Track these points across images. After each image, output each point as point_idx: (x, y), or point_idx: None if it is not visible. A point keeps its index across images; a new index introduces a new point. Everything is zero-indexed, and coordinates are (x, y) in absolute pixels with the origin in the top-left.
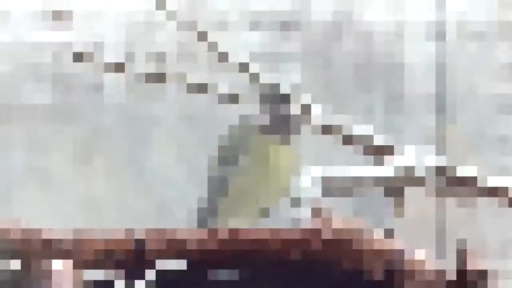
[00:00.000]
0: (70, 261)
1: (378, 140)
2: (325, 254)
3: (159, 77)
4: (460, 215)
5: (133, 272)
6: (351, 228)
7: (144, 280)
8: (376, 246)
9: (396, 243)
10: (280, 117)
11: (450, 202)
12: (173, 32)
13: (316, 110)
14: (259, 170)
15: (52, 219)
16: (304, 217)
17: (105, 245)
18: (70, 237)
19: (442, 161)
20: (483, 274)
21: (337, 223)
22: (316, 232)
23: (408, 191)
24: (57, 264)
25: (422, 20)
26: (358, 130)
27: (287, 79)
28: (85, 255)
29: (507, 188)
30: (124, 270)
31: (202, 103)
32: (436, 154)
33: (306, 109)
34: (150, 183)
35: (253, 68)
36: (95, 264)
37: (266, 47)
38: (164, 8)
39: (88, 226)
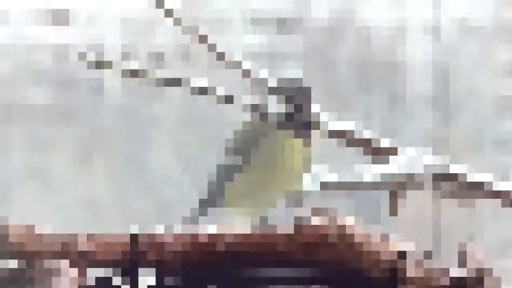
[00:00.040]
0: (69, 262)
1: (378, 140)
2: (325, 253)
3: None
4: (460, 215)
5: (133, 272)
6: (350, 227)
7: (144, 280)
8: (376, 246)
9: (395, 243)
10: (296, 112)
11: (450, 202)
12: (173, 32)
13: (323, 116)
14: (274, 162)
15: (52, 219)
16: (304, 216)
17: (105, 245)
18: (70, 237)
19: (441, 161)
20: (483, 275)
21: (337, 223)
22: (316, 231)
23: (408, 191)
24: (56, 265)
25: (422, 20)
26: (359, 130)
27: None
28: (85, 255)
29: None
30: (124, 270)
31: (202, 103)
32: (436, 154)
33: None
34: (150, 183)
35: (252, 67)
36: (95, 264)
37: (266, 46)
38: (163, 7)
39: (88, 226)
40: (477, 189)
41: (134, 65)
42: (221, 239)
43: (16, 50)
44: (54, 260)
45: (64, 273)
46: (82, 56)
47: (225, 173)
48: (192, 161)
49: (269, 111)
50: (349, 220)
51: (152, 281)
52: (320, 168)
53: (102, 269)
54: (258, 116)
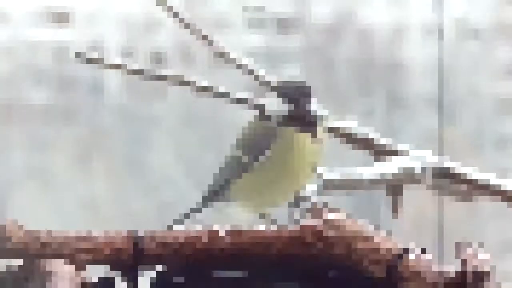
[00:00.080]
0: (69, 262)
1: (378, 140)
2: (324, 253)
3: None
4: (460, 215)
5: (133, 273)
6: (350, 227)
7: (144, 281)
8: (375, 246)
9: (395, 242)
10: (302, 111)
11: (450, 201)
12: (173, 32)
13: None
14: (286, 160)
15: (52, 219)
16: (304, 216)
17: (105, 245)
18: (70, 237)
19: (441, 161)
20: (483, 275)
21: (336, 223)
22: (315, 231)
23: (408, 191)
24: (56, 265)
25: (422, 20)
26: (359, 129)
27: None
28: (85, 255)
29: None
30: (123, 270)
31: (202, 103)
32: (435, 154)
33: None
34: (150, 183)
35: (252, 67)
36: (95, 264)
37: (266, 46)
38: (165, 4)
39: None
40: (477, 189)
41: (134, 65)
42: (222, 239)
43: (16, 50)
44: (54, 260)
45: (64, 273)
46: (80, 56)
47: (233, 169)
48: (192, 161)
49: (269, 110)
50: (349, 220)
51: (153, 281)
52: (320, 168)
53: (102, 269)
54: (260, 115)
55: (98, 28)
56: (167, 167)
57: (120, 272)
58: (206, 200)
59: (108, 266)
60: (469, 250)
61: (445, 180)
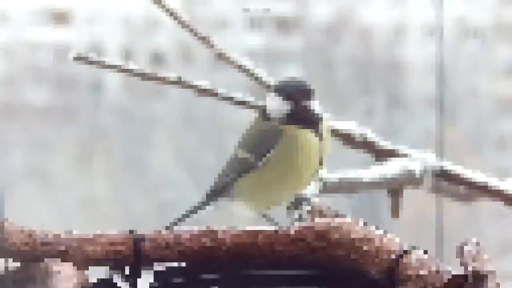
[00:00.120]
0: (70, 263)
1: (378, 141)
2: (325, 253)
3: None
4: (460, 215)
5: (133, 273)
6: (350, 228)
7: (144, 281)
8: (376, 246)
9: (395, 243)
10: (303, 110)
11: (450, 202)
12: (173, 32)
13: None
14: (289, 157)
15: (52, 219)
16: (305, 217)
17: (105, 245)
18: (70, 237)
19: (441, 161)
20: (483, 275)
21: (337, 223)
22: (317, 231)
23: (407, 191)
24: (56, 265)
25: (422, 20)
26: (359, 130)
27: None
28: (85, 255)
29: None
30: (124, 270)
31: (202, 103)
32: (435, 154)
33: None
34: (150, 183)
35: (252, 67)
36: (95, 264)
37: (266, 46)
38: (160, 3)
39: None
40: (477, 190)
41: (134, 65)
42: (222, 239)
43: (16, 50)
44: (54, 260)
45: (64, 273)
46: (78, 58)
47: (237, 168)
48: (192, 161)
49: (269, 109)
50: (349, 220)
51: (153, 281)
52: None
53: (103, 269)
54: (262, 115)
55: (98, 28)
56: (167, 167)
57: (120, 272)
58: (210, 198)
59: (108, 266)
60: (469, 250)
61: (445, 181)
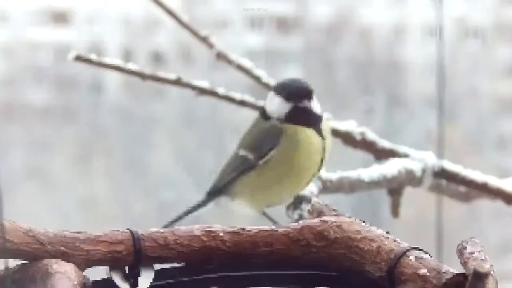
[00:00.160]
0: (69, 263)
1: (378, 140)
2: (324, 253)
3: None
4: (460, 215)
5: (133, 273)
6: (350, 227)
7: (144, 281)
8: (375, 246)
9: (395, 243)
10: (303, 110)
11: (450, 202)
12: (173, 32)
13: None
14: (290, 156)
15: (52, 219)
16: (304, 217)
17: (105, 245)
18: (69, 236)
19: (441, 162)
20: (482, 275)
21: (336, 223)
22: (316, 231)
23: (407, 191)
24: (56, 265)
25: (422, 20)
26: (358, 130)
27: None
28: (84, 256)
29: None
30: (124, 270)
31: (202, 103)
32: (435, 154)
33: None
34: (150, 183)
35: (252, 67)
36: (95, 264)
37: (266, 46)
38: (160, 3)
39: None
40: (477, 189)
41: (134, 66)
42: (222, 239)
43: (16, 50)
44: (53, 260)
45: (63, 273)
46: (78, 59)
47: (238, 167)
48: (192, 161)
49: (269, 109)
50: (349, 220)
51: (153, 280)
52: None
53: (103, 269)
54: (262, 114)
55: (98, 28)
56: (167, 167)
57: (120, 272)
58: (210, 196)
59: (108, 266)
60: (469, 250)
61: (445, 181)
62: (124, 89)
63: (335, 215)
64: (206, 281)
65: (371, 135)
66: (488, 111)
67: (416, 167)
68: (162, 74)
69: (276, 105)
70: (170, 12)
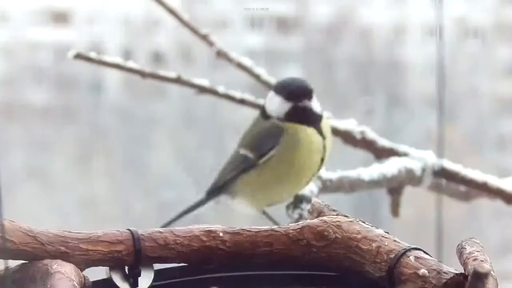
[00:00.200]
0: (69, 263)
1: (378, 140)
2: (324, 253)
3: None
4: (460, 215)
5: (133, 273)
6: (350, 227)
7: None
8: (375, 246)
9: (394, 243)
10: (303, 109)
11: (450, 202)
12: (173, 32)
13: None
14: (290, 155)
15: (52, 219)
16: (304, 216)
17: (105, 245)
18: (69, 236)
19: (441, 160)
20: (482, 275)
21: (336, 223)
22: (316, 231)
23: (407, 190)
24: (56, 265)
25: (422, 20)
26: (358, 129)
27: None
28: (84, 256)
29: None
30: (123, 270)
31: (202, 103)
32: (435, 154)
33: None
34: (150, 183)
35: (252, 66)
36: (94, 264)
37: (266, 46)
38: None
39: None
40: (477, 188)
41: (134, 64)
42: (222, 239)
43: (16, 50)
44: (53, 260)
45: (63, 273)
46: (79, 57)
47: (239, 166)
48: (192, 161)
49: (269, 109)
50: (349, 220)
51: (153, 280)
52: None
53: (103, 269)
54: (262, 114)
55: (98, 28)
56: (167, 167)
57: (120, 272)
58: (210, 195)
59: (108, 266)
60: (469, 250)
61: (445, 180)
62: (124, 89)
63: (335, 215)
64: (206, 281)
65: (371, 134)
66: (488, 111)
67: (416, 166)
68: (162, 72)
69: (276, 105)
70: (170, 11)
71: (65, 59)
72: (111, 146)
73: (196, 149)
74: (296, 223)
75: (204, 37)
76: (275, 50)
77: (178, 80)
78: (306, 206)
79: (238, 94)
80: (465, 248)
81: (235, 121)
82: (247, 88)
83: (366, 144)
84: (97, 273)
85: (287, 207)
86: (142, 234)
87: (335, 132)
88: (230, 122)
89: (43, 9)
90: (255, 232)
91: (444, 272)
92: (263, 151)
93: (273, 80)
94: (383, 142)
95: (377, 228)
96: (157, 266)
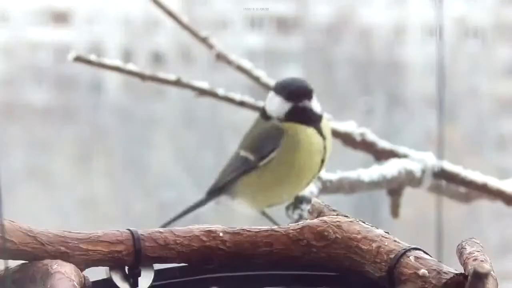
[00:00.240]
0: (69, 263)
1: (378, 141)
2: (324, 253)
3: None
4: (460, 215)
5: (133, 273)
6: (350, 227)
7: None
8: (375, 246)
9: (394, 244)
10: (303, 109)
11: (450, 203)
12: (173, 32)
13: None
14: (291, 155)
15: (52, 219)
16: (304, 217)
17: (105, 245)
18: (69, 236)
19: (441, 162)
20: (482, 275)
21: (336, 223)
22: (316, 231)
23: (407, 191)
24: (56, 265)
25: (422, 20)
26: (358, 130)
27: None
28: (84, 256)
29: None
30: (123, 270)
31: (202, 103)
32: (435, 154)
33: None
34: (150, 183)
35: (252, 67)
36: (94, 264)
37: (266, 46)
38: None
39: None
40: (477, 189)
41: (133, 67)
42: (222, 239)
43: (16, 50)
44: (53, 260)
45: (63, 273)
46: (78, 59)
47: (239, 167)
48: (192, 161)
49: (269, 109)
50: (349, 220)
51: (153, 280)
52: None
53: (103, 269)
54: (262, 114)
55: (98, 28)
56: (167, 167)
57: (120, 272)
58: (210, 196)
59: (108, 266)
60: (469, 250)
61: (445, 181)
62: (124, 89)
63: (335, 215)
64: (206, 281)
65: (371, 136)
66: (488, 111)
67: (416, 167)
68: (162, 74)
69: (276, 105)
70: (170, 13)
71: (65, 59)
72: (111, 146)
73: (196, 149)
74: (296, 223)
75: (204, 40)
76: (275, 50)
77: (177, 83)
78: (306, 207)
79: (237, 96)
80: (465, 248)
81: (235, 122)
82: (247, 89)
83: (366, 146)
84: (97, 273)
85: (287, 207)
86: (142, 234)
87: (335, 134)
88: (230, 123)
89: (43, 9)
90: (255, 232)
91: (444, 272)
92: (264, 153)
93: (272, 82)
94: (383, 144)
95: (377, 228)
96: (157, 266)
